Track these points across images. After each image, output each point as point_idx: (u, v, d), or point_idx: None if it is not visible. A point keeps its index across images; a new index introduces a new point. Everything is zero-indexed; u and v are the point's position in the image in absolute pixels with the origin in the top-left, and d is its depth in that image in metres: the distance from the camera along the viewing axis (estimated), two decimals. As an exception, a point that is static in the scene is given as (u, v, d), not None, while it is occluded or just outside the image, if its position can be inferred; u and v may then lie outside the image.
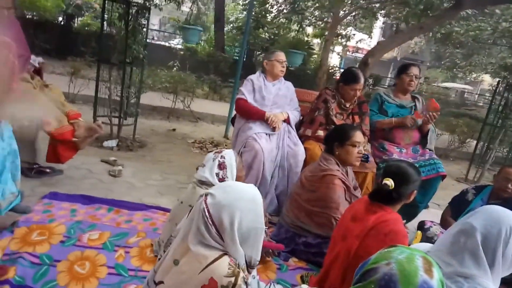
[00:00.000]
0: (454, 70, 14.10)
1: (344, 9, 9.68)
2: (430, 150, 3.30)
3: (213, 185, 1.97)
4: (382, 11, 8.31)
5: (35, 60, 2.99)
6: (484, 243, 1.40)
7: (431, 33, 8.19)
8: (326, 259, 2.00)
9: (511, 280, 1.84)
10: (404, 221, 2.69)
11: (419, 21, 6.12)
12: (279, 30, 11.08)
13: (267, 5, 10.40)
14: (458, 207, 2.91)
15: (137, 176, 3.47)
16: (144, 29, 4.24)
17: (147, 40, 4.56)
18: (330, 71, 10.65)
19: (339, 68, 13.36)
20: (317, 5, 9.52)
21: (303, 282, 2.19)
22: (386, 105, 3.37)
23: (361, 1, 8.62)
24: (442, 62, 15.09)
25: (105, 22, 4.08)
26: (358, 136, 2.47)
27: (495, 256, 1.39)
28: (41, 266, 1.97)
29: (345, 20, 10.47)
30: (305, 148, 3.11)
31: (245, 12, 10.33)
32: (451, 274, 1.41)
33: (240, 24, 11.14)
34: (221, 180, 2.09)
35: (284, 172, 3.10)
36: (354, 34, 13.39)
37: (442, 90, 15.87)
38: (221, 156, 2.15)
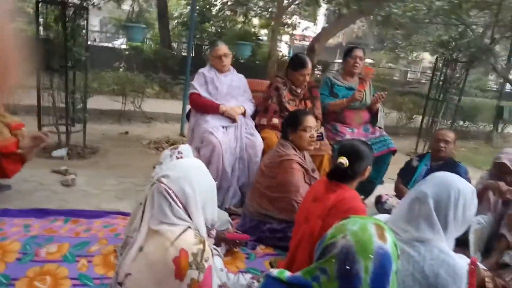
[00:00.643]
0: (396, 50, 14.70)
1: (287, -2, 9.78)
2: (380, 128, 3.46)
3: None
4: (325, -2, 8.48)
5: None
6: (436, 208, 1.50)
7: (371, 17, 8.50)
8: (292, 242, 2.04)
9: (463, 240, 1.97)
10: (362, 197, 2.82)
11: (359, 5, 6.31)
12: (225, 23, 11.01)
13: (211, -1, 10.30)
14: (406, 175, 3.14)
15: (92, 183, 3.35)
16: (84, 31, 4.06)
17: (89, 42, 4.37)
18: (280, 60, 10.76)
19: (289, 56, 13.52)
20: (260, -5, 9.56)
21: (272, 267, 2.23)
22: (336, 88, 3.48)
23: (303, -11, 8.76)
24: (385, 44, 15.68)
25: (40, 26, 3.86)
26: (309, 121, 2.53)
27: (447, 219, 1.49)
28: (-3, 287, 1.87)
29: (289, 9, 10.59)
30: (262, 137, 3.14)
31: (189, 7, 10.15)
32: (409, 240, 1.49)
33: (185, 19, 10.92)
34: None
35: (244, 164, 3.11)
36: (299, 23, 13.57)
37: (387, 71, 16.52)
38: (178, 151, 2.13)
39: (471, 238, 2.49)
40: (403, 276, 1.39)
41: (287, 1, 10.00)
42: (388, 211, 2.86)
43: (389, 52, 15.39)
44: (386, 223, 1.56)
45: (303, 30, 16.26)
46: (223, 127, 3.12)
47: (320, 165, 3.03)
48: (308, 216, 1.94)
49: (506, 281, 2.14)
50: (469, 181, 2.76)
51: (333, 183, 1.95)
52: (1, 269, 1.99)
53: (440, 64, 5.94)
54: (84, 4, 4.03)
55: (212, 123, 3.09)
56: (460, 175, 2.81)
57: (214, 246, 1.99)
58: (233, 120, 3.14)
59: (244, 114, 3.26)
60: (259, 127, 3.26)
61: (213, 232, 1.88)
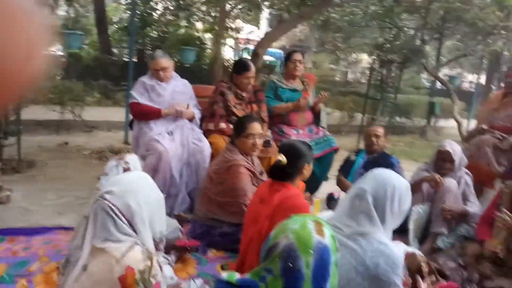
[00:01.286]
0: (337, 52, 15.31)
1: (230, 2, 9.83)
2: (323, 127, 3.60)
3: None
4: (266, 3, 8.62)
5: None
6: (375, 203, 1.60)
7: (312, 21, 8.78)
8: (242, 244, 2.06)
9: (400, 230, 2.10)
10: (308, 194, 2.93)
11: (299, 10, 6.50)
12: (168, 28, 10.83)
13: (152, 3, 10.06)
14: (346, 169, 3.31)
15: (30, 199, 3.15)
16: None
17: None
18: (225, 64, 10.77)
19: (234, 61, 13.56)
20: (203, 0, 9.51)
21: (224, 270, 2.24)
22: (280, 90, 3.58)
23: (245, -6, 8.84)
24: (326, 47, 16.27)
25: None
26: (253, 128, 2.57)
27: (384, 213, 1.60)
28: None
29: (232, 13, 10.65)
30: (210, 142, 3.14)
31: (129, 12, 9.87)
32: (351, 234, 1.58)
33: (125, 24, 10.60)
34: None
35: (192, 169, 3.09)
36: (243, 27, 13.70)
37: (329, 72, 17.12)
38: (125, 162, 2.06)
39: (411, 226, 2.66)
40: (346, 270, 1.46)
41: (230, 6, 10.05)
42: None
43: (330, 54, 16.00)
44: (331, 219, 1.64)
45: (247, 34, 16.42)
46: (168, 133, 3.08)
47: (267, 167, 3.08)
48: (256, 217, 1.97)
49: (439, 264, 2.31)
50: (401, 171, 2.97)
51: (277, 183, 2.00)
52: None
53: (377, 65, 6.28)
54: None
55: (157, 129, 3.04)
56: (393, 165, 3.04)
57: (164, 255, 1.95)
58: (179, 115, 3.10)
59: (191, 119, 3.23)
60: (206, 133, 3.25)
61: (162, 246, 1.84)
